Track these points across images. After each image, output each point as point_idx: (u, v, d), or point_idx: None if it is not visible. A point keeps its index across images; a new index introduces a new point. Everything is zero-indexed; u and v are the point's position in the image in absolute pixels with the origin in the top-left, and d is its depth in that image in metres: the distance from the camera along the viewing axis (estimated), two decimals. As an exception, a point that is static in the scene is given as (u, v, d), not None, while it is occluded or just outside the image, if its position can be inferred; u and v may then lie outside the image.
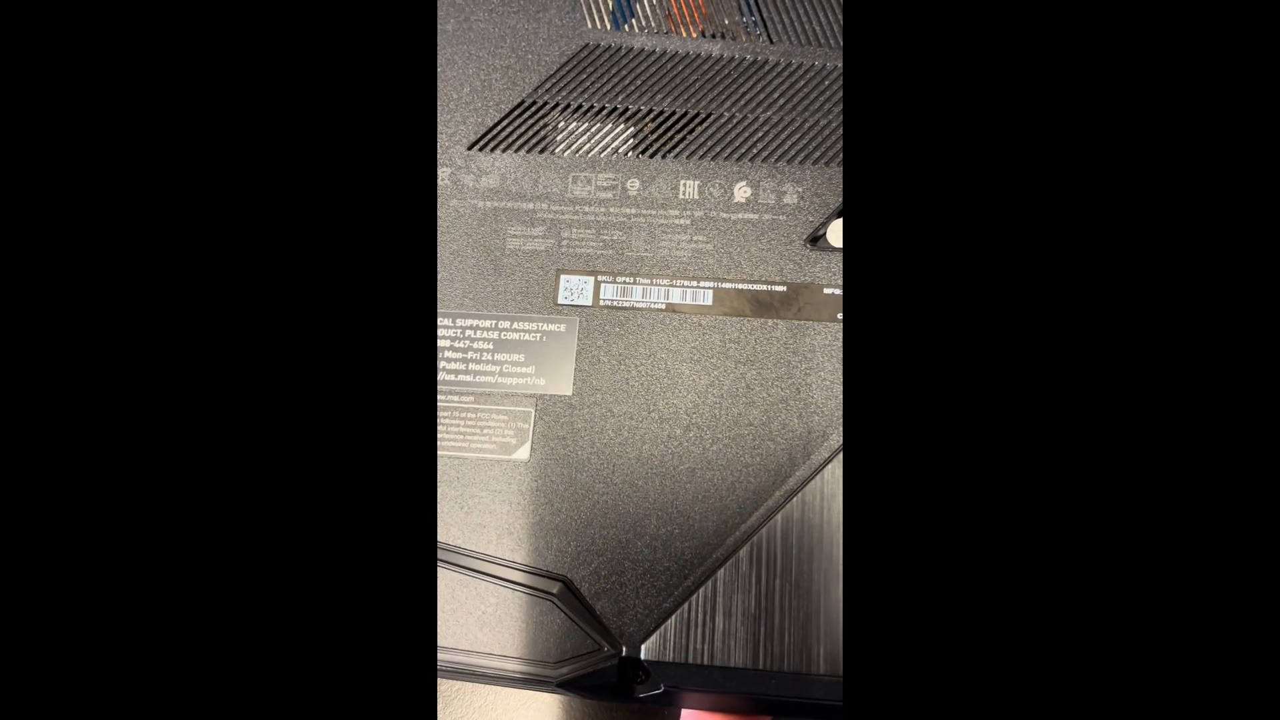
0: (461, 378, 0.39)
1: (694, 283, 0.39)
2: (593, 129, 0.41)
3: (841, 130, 0.40)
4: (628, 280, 0.39)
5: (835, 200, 0.40)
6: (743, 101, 0.41)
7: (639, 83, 0.41)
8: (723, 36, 0.42)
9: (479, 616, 0.35)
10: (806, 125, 0.41)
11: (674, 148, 0.41)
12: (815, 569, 0.35)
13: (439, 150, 0.41)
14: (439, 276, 0.40)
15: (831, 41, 0.42)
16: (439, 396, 0.39)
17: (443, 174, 0.41)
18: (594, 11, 0.43)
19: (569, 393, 0.37)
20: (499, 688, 0.36)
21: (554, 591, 0.35)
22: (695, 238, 0.39)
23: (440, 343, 0.39)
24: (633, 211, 0.40)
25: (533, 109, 0.42)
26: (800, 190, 0.40)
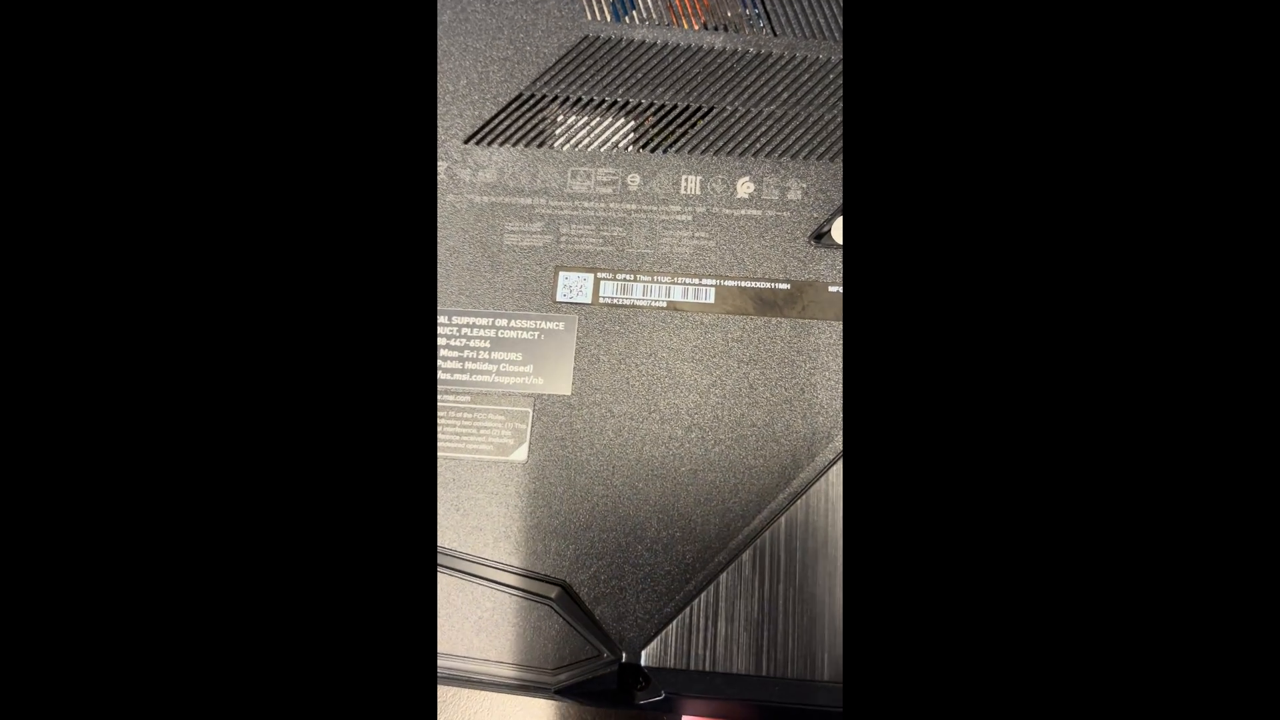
0: (458, 377, 0.38)
1: (696, 280, 0.38)
2: (592, 123, 0.41)
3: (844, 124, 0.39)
4: (628, 277, 0.38)
5: (840, 196, 0.39)
6: (745, 95, 0.40)
7: (640, 75, 0.41)
8: (725, 29, 0.42)
9: (475, 622, 0.35)
10: (810, 119, 0.40)
11: (675, 142, 0.40)
12: (820, 573, 0.34)
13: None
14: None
15: (836, 34, 0.41)
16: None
17: (439, 168, 0.41)
18: (594, 3, 0.42)
19: (568, 392, 0.37)
20: (495, 694, 0.36)
21: (552, 596, 0.34)
22: (697, 234, 0.39)
23: (436, 341, 0.38)
24: (633, 207, 0.39)
25: (531, 102, 0.41)
26: (804, 186, 0.39)
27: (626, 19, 0.42)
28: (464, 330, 0.38)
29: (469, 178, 0.40)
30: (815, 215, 0.39)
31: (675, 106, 0.40)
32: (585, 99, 0.41)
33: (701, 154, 0.40)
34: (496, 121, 0.41)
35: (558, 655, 0.34)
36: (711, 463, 0.36)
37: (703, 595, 0.34)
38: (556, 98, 0.41)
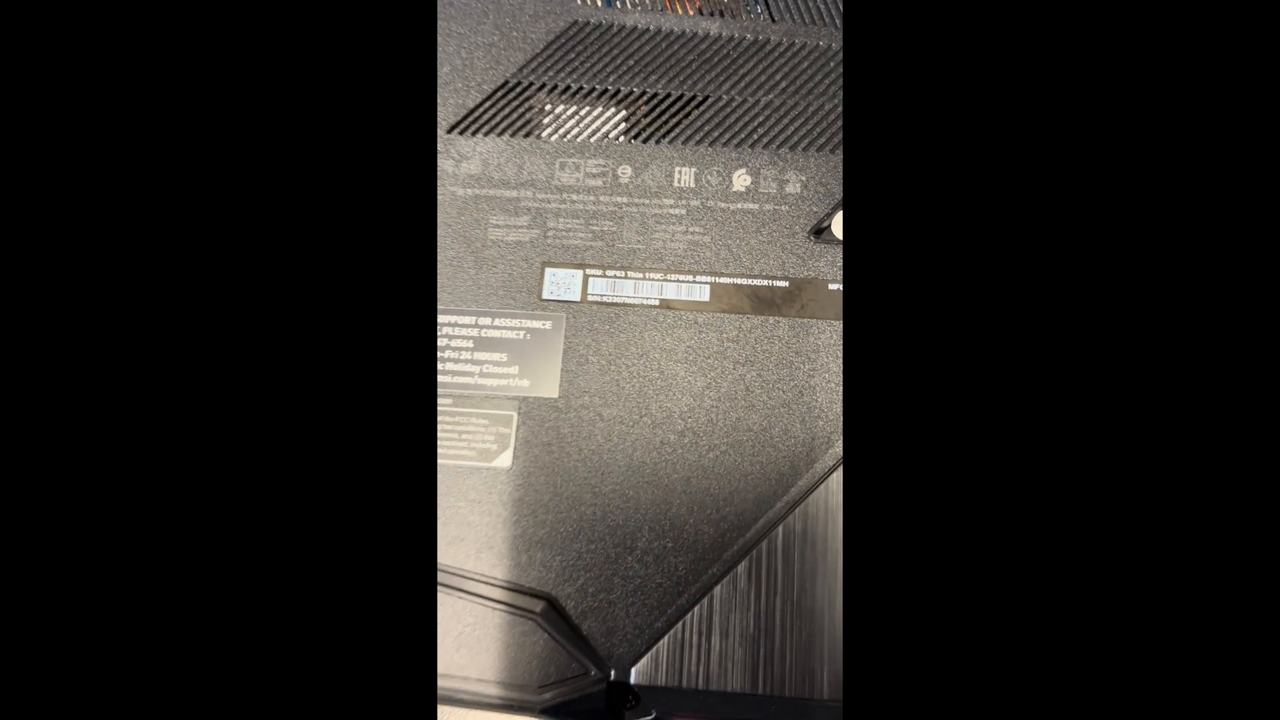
0: (439, 378, 0.37)
1: (690, 277, 0.37)
2: (582, 112, 0.40)
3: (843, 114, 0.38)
4: (618, 274, 0.37)
5: (840, 189, 0.38)
6: (742, 83, 0.39)
7: (632, 63, 0.40)
8: (721, 14, 0.41)
9: (456, 637, 0.33)
10: (810, 109, 0.39)
11: (668, 132, 0.39)
12: (819, 586, 0.33)
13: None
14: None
15: (837, 20, 0.40)
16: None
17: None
18: (583, -14, 0.41)
19: (555, 395, 0.36)
20: (477, 714, 0.34)
21: (537, 610, 0.33)
22: (691, 229, 0.38)
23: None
24: (624, 200, 0.38)
25: (517, 90, 0.40)
26: (803, 179, 0.38)
27: (618, 3, 0.41)
28: (446, 329, 0.37)
29: (452, 169, 0.39)
30: (814, 209, 0.38)
31: (669, 95, 0.39)
32: (574, 87, 0.40)
33: (696, 145, 0.39)
34: (481, 110, 0.40)
35: (543, 673, 0.33)
36: (706, 469, 0.35)
37: (696, 609, 0.33)
38: (544, 85, 0.40)
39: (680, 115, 0.39)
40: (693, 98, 0.39)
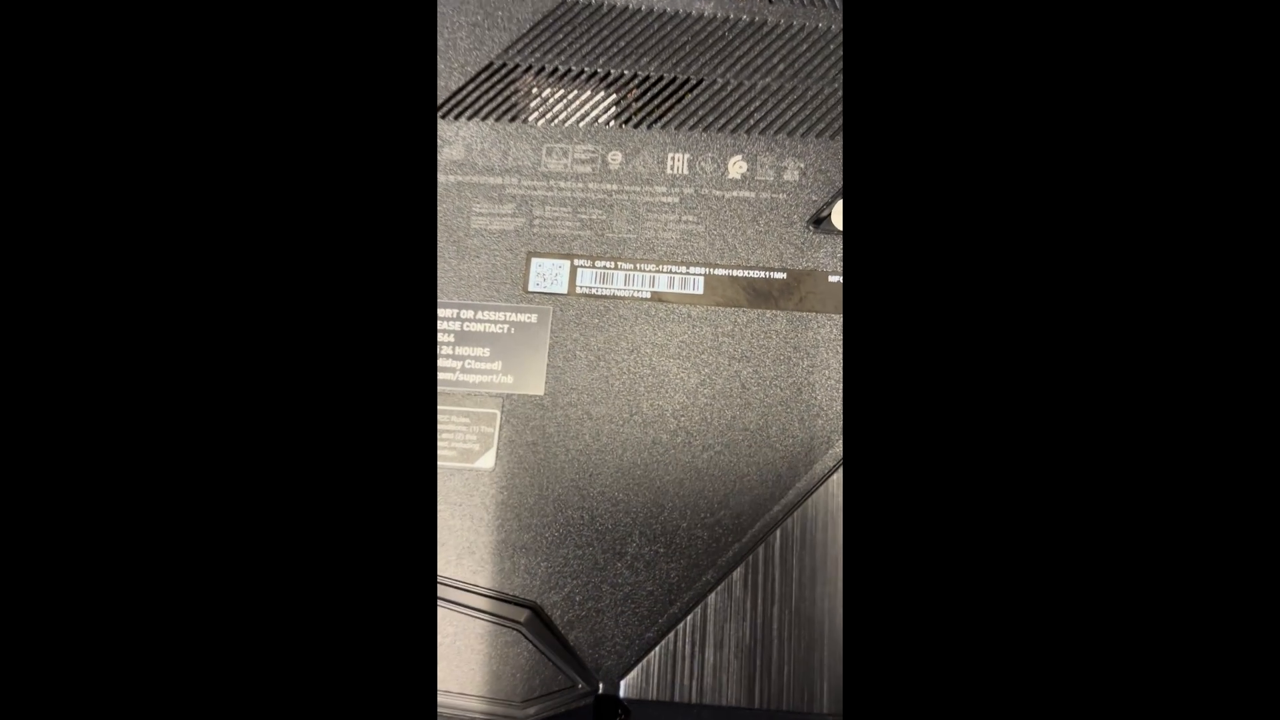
0: None
1: (683, 268, 0.36)
2: (570, 95, 0.39)
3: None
4: (608, 265, 0.36)
5: (841, 177, 0.37)
6: (738, 66, 0.39)
7: (623, 44, 0.39)
8: None
9: (436, 648, 0.32)
10: (809, 94, 0.38)
11: (661, 117, 0.38)
12: (818, 594, 0.33)
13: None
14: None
15: (837, 1, 0.40)
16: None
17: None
18: (572, -36, 0.41)
19: (540, 392, 0.35)
20: (458, 729, 0.33)
21: (521, 620, 0.32)
22: (684, 218, 0.37)
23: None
24: (614, 188, 0.37)
25: (502, 72, 0.39)
26: (802, 166, 0.37)
27: (608, -18, 0.40)
28: (425, 322, 0.36)
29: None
30: (814, 198, 0.37)
31: (662, 78, 0.39)
32: (563, 69, 0.39)
33: (690, 130, 0.38)
34: (464, 93, 0.39)
35: (527, 686, 0.32)
36: (700, 470, 0.34)
37: (689, 618, 0.32)
38: (530, 67, 0.39)
39: (674, 99, 0.39)
40: (686, 81, 0.39)
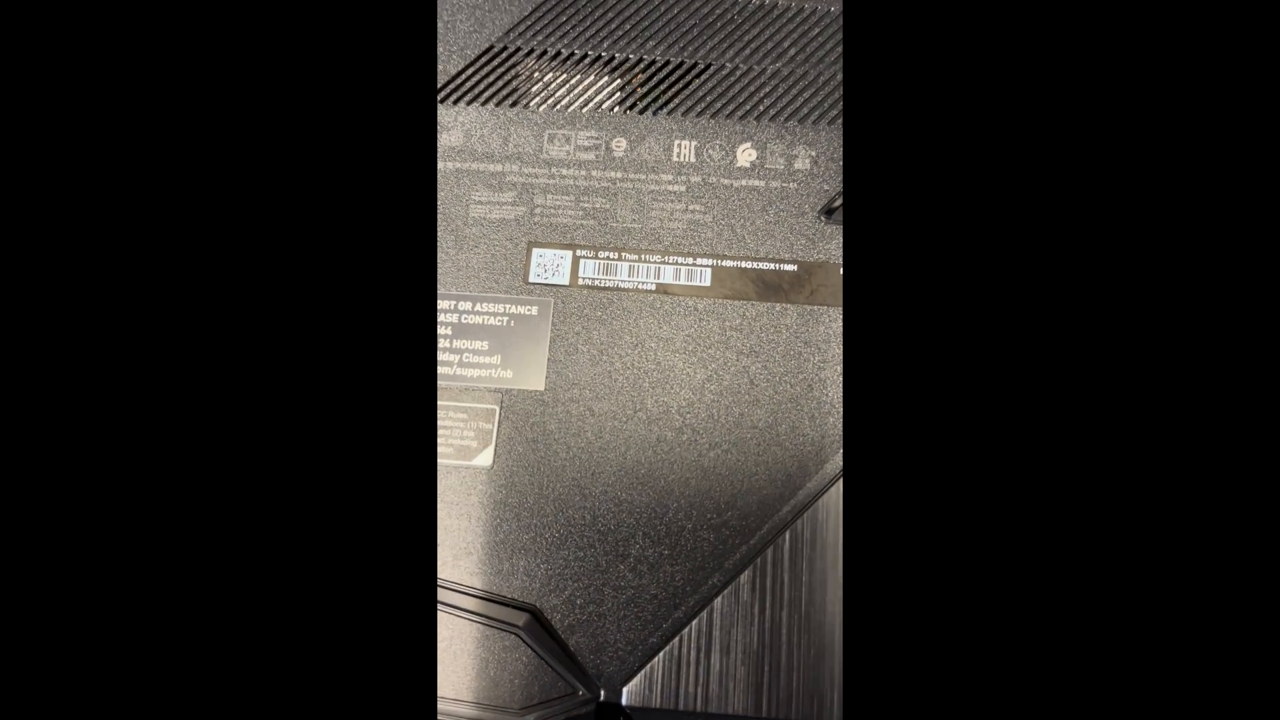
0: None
1: (689, 260, 0.36)
2: (573, 80, 0.38)
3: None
4: (612, 255, 0.36)
5: None
6: (747, 51, 0.38)
7: (628, 27, 0.39)
8: None
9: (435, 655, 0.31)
10: (821, 79, 0.38)
11: (667, 103, 0.38)
12: (829, 598, 0.32)
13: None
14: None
15: None
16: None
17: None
18: (576, -56, 0.40)
19: (541, 387, 0.34)
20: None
21: (520, 624, 0.32)
22: (691, 207, 0.36)
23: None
24: (618, 176, 0.37)
25: (503, 55, 0.39)
26: (813, 154, 0.37)
27: (613, -37, 0.40)
28: (422, 314, 0.35)
29: (431, 141, 0.37)
30: (825, 187, 0.37)
31: (668, 62, 0.38)
32: (566, 53, 0.38)
33: (697, 116, 0.37)
34: (464, 77, 0.38)
35: (526, 693, 0.31)
36: (706, 470, 0.33)
37: (694, 623, 0.32)
38: (533, 51, 0.38)
39: (680, 84, 0.38)
40: (694, 65, 0.38)
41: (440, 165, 0.37)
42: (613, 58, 0.38)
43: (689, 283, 0.35)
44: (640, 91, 0.38)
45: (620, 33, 0.38)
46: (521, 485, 0.33)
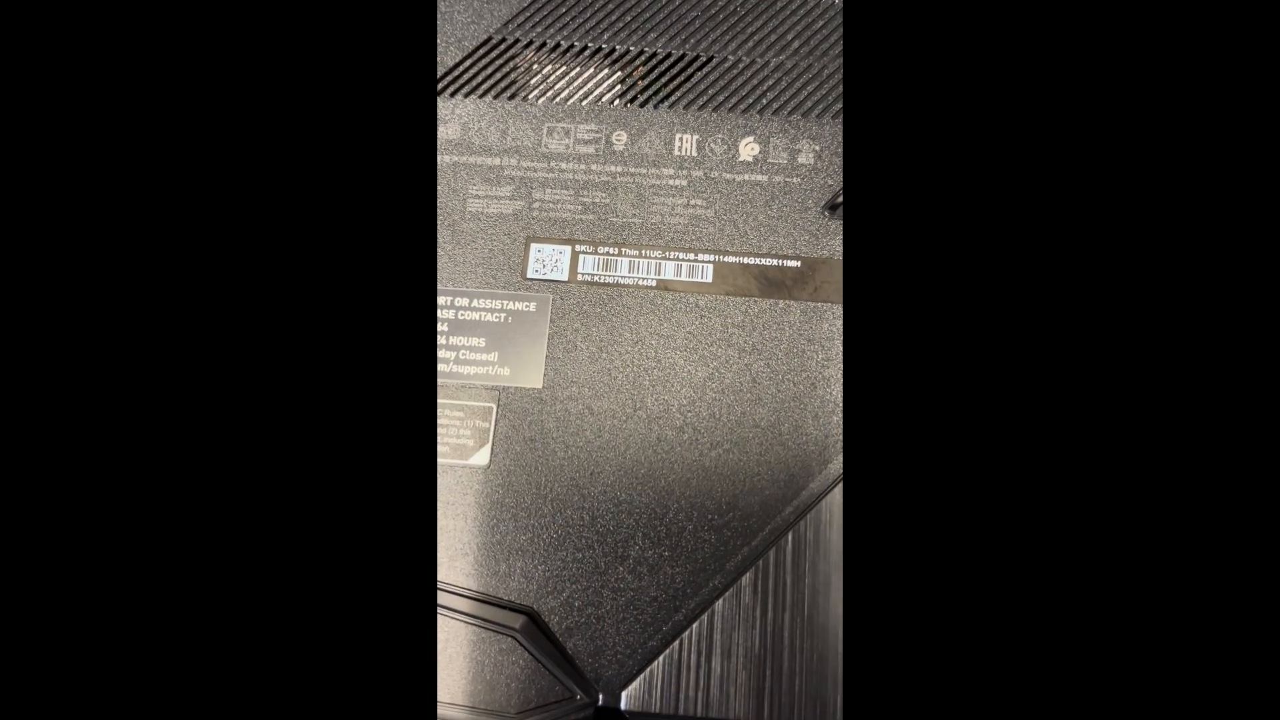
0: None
1: (691, 255, 0.36)
2: (573, 72, 0.38)
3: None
4: (611, 251, 0.36)
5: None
6: (750, 43, 0.38)
7: (628, 18, 0.38)
8: None
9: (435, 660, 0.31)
10: (825, 72, 0.38)
11: (669, 95, 0.38)
12: (832, 601, 0.32)
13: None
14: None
15: None
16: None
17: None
18: (576, -66, 0.40)
19: (539, 385, 0.34)
20: (448, 741, 0.32)
21: (517, 626, 0.31)
22: (693, 202, 0.36)
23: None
24: (619, 170, 0.37)
25: (502, 47, 0.38)
26: (817, 148, 0.37)
27: (614, -47, 0.40)
28: (418, 310, 0.34)
29: (428, 133, 0.37)
30: (829, 182, 0.36)
31: (669, 54, 0.38)
32: (565, 44, 0.38)
33: (699, 110, 0.37)
34: (461, 69, 0.38)
35: (522, 697, 0.31)
36: (707, 470, 0.33)
37: (694, 626, 0.32)
38: (532, 42, 0.38)
39: (682, 77, 0.38)
40: (696, 58, 0.38)
41: (438, 158, 0.37)
42: (613, 50, 0.38)
43: (690, 279, 0.35)
44: (641, 84, 0.38)
45: (621, 24, 0.38)
46: (519, 485, 0.33)
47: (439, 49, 0.38)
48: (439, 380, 0.34)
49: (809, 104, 0.37)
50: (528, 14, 0.38)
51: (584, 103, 0.37)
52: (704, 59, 0.38)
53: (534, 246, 0.35)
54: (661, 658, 0.31)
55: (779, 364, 0.34)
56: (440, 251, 0.35)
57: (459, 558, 0.32)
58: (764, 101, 0.37)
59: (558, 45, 0.38)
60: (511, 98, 0.38)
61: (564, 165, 0.36)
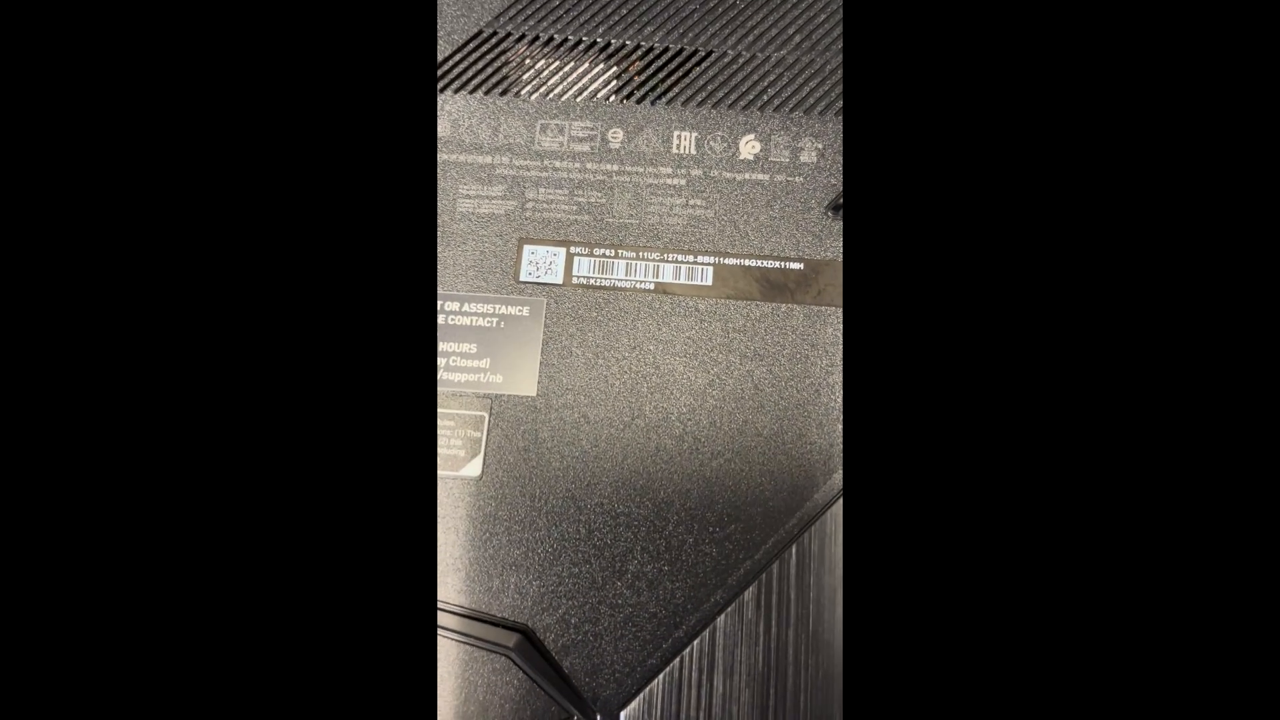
0: None
1: (690, 257, 0.35)
2: (567, 67, 0.38)
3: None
4: (607, 253, 0.35)
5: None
6: (750, 38, 0.37)
7: (624, 12, 0.38)
8: None
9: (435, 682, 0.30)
10: (827, 68, 0.37)
11: (666, 92, 0.37)
12: (838, 616, 0.31)
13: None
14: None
15: None
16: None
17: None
18: (570, -76, 0.40)
19: (532, 393, 0.34)
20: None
21: (510, 645, 0.31)
22: (692, 202, 0.36)
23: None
24: (615, 168, 0.36)
25: (493, 41, 0.38)
26: (820, 146, 0.36)
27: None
28: (406, 315, 0.34)
29: (417, 131, 0.36)
30: (832, 181, 0.36)
31: (667, 49, 0.37)
32: (559, 38, 0.38)
33: (698, 106, 0.37)
34: (451, 64, 0.38)
35: (516, 717, 0.31)
36: (707, 480, 0.33)
37: (695, 643, 0.31)
38: (524, 36, 0.38)
39: (680, 72, 0.37)
40: (694, 52, 0.37)
41: (426, 157, 0.36)
42: (609, 44, 0.37)
43: (689, 282, 0.34)
44: (638, 80, 0.37)
45: (617, 18, 0.38)
46: (512, 497, 0.32)
47: (428, 43, 0.37)
48: (429, 388, 0.33)
49: (811, 100, 0.36)
50: (520, 7, 0.38)
51: (579, 99, 0.37)
52: (703, 53, 0.37)
53: (527, 248, 0.35)
54: (661, 676, 0.31)
55: (781, 370, 0.33)
56: (430, 253, 0.35)
57: (450, 573, 0.32)
58: (765, 98, 0.36)
59: (551, 39, 0.37)
60: (503, 93, 0.37)
61: (558, 164, 0.36)
